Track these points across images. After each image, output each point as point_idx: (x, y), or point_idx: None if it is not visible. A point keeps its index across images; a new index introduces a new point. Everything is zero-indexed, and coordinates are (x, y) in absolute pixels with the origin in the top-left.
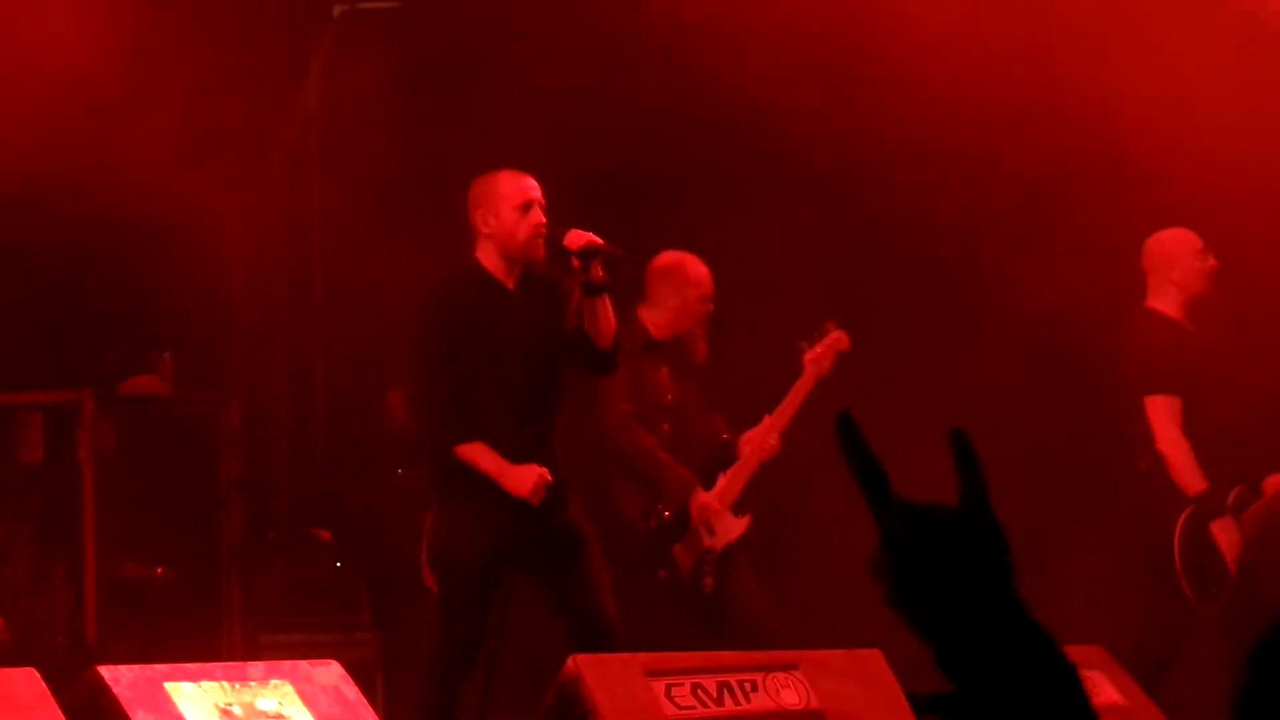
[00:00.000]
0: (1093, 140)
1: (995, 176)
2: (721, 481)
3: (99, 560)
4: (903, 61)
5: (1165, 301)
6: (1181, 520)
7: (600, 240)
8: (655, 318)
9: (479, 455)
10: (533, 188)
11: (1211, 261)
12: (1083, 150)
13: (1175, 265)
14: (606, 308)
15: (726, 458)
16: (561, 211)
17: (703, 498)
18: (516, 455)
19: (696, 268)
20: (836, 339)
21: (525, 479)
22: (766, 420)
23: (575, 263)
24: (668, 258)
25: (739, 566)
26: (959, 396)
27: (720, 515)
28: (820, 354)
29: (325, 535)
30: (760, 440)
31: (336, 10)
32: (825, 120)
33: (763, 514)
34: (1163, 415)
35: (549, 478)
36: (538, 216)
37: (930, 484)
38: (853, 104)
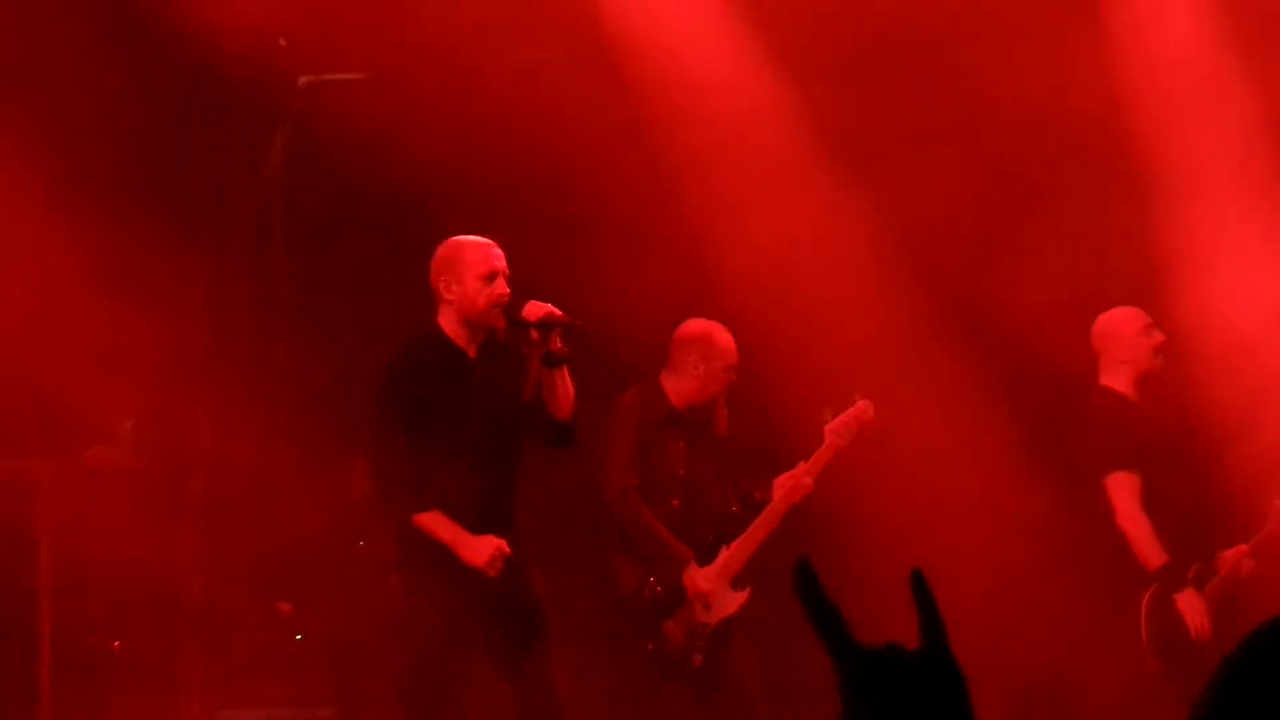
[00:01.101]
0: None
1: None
2: (723, 555)
3: (56, 632)
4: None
5: (1117, 379)
6: (1147, 597)
7: (559, 312)
8: (678, 386)
9: (436, 525)
10: (498, 257)
11: (1158, 337)
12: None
13: (1123, 343)
14: (565, 380)
15: (732, 531)
16: (521, 278)
17: (696, 574)
18: (476, 525)
19: (723, 336)
20: (862, 410)
21: (482, 550)
22: (801, 465)
23: (534, 334)
24: (695, 325)
25: (735, 643)
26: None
27: (716, 591)
28: (842, 425)
29: (286, 607)
30: (791, 485)
31: (302, 80)
32: None
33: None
34: (1122, 492)
35: (506, 549)
36: (501, 287)
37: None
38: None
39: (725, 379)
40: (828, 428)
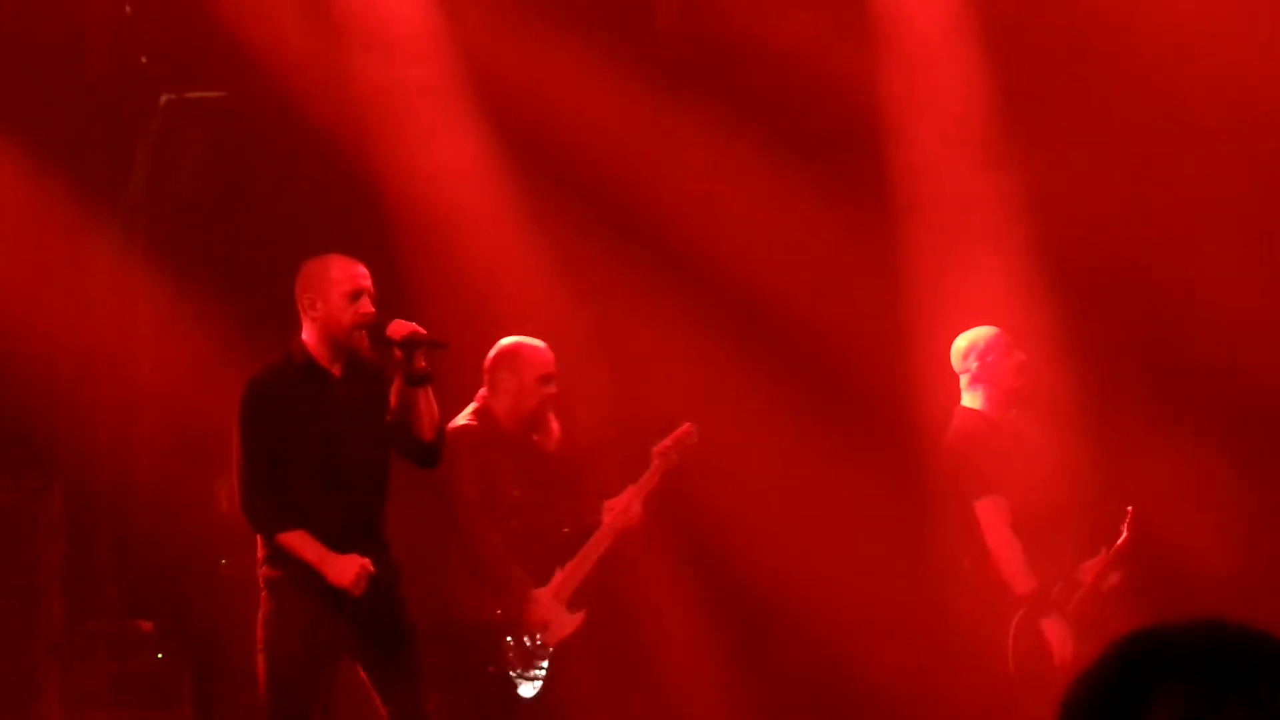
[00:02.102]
0: None
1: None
2: (559, 575)
3: None
4: None
5: (979, 399)
6: (1014, 625)
7: (423, 331)
8: (499, 406)
9: (300, 544)
10: (363, 275)
11: (1020, 355)
12: None
13: (984, 363)
14: (429, 399)
15: (566, 551)
16: (384, 297)
17: (536, 602)
18: (341, 544)
19: (531, 349)
20: (686, 432)
21: (347, 569)
22: (630, 489)
23: (398, 353)
24: (502, 344)
25: (572, 664)
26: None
27: (552, 611)
28: (667, 448)
29: (147, 626)
30: (622, 508)
31: (162, 99)
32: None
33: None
34: (992, 516)
35: (371, 568)
36: (366, 306)
37: None
38: None
39: (541, 391)
40: (655, 449)
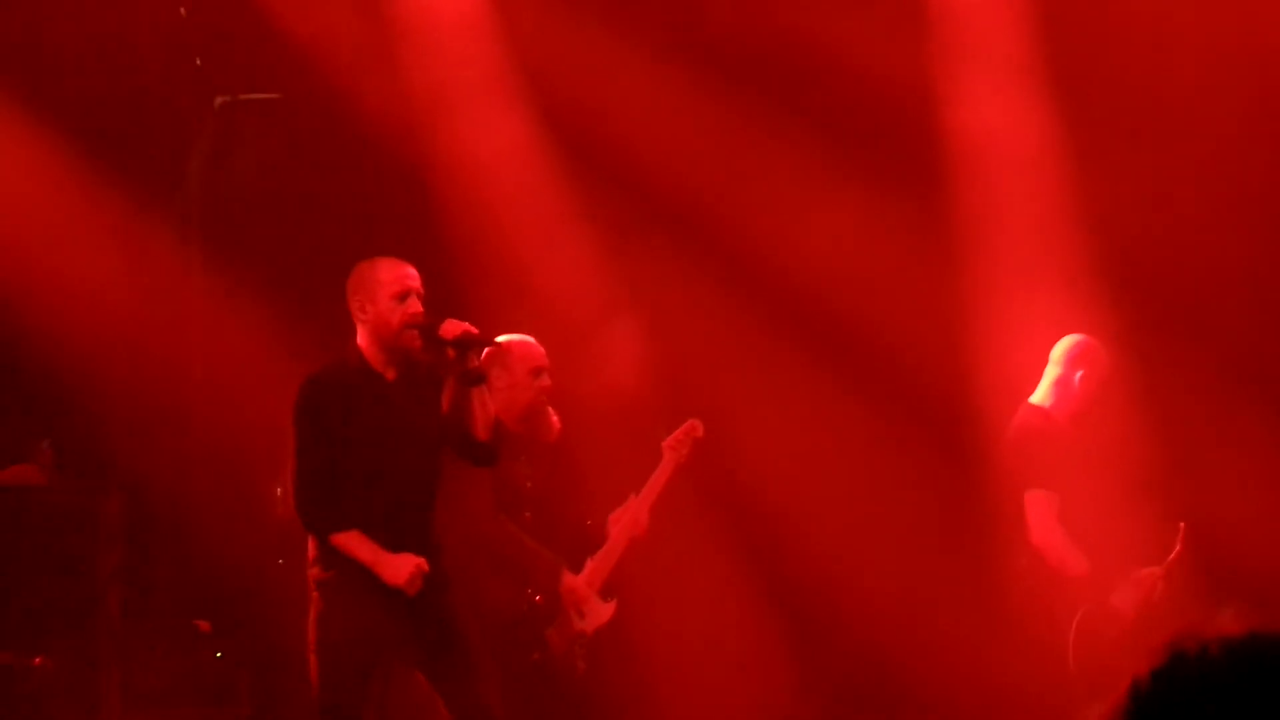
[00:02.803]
0: None
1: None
2: (589, 565)
3: None
4: None
5: (1050, 400)
6: (1075, 623)
7: (476, 330)
8: (498, 404)
9: (355, 544)
10: (411, 276)
11: (1106, 374)
12: None
13: (1070, 374)
14: (483, 398)
15: (593, 542)
16: (437, 295)
17: (571, 581)
18: (395, 545)
19: (520, 345)
20: (692, 427)
21: (401, 568)
22: (633, 499)
23: (451, 353)
24: (495, 344)
25: (607, 652)
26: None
27: (589, 599)
28: (678, 441)
29: (205, 626)
30: (628, 520)
31: (217, 101)
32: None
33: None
34: (1038, 508)
35: (426, 568)
36: (414, 306)
37: None
38: None
39: (535, 385)
40: (665, 443)
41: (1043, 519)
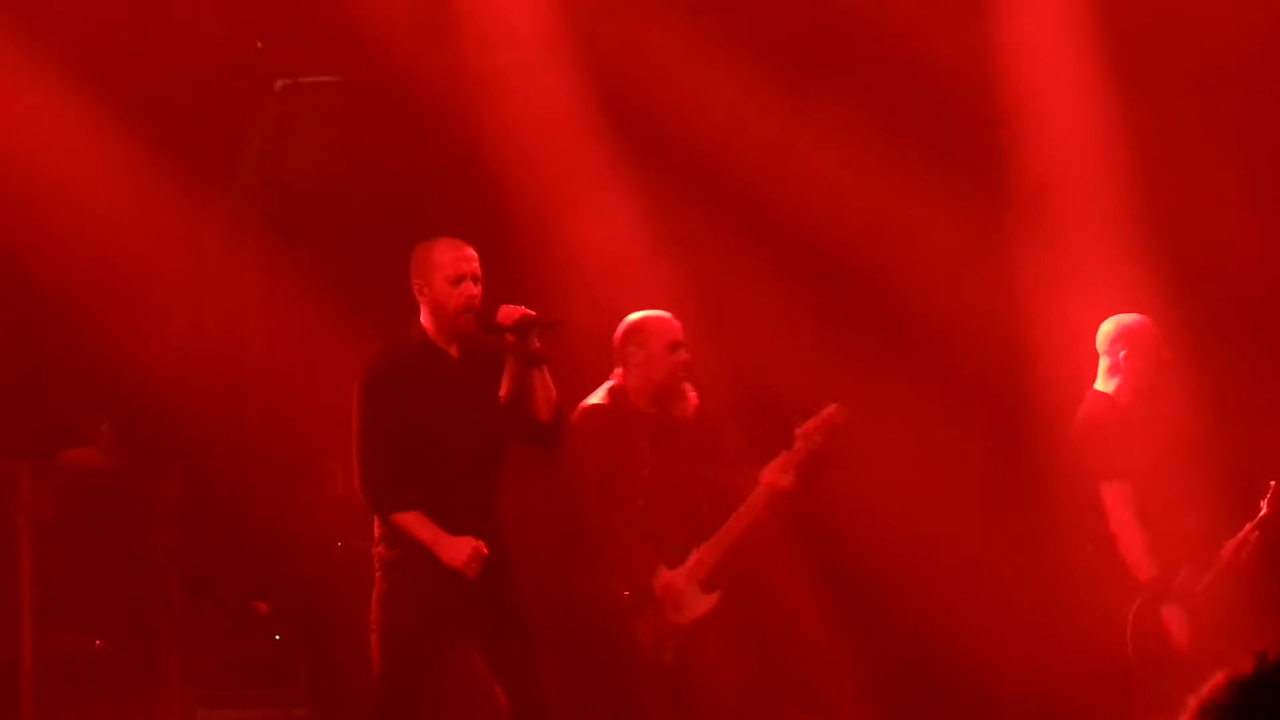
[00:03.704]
0: None
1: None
2: (694, 556)
3: (36, 631)
4: None
5: (1114, 385)
6: (1133, 611)
7: (533, 313)
8: (631, 383)
9: (415, 525)
10: (467, 259)
11: (1166, 353)
12: None
13: (1127, 355)
14: (545, 380)
15: (703, 531)
16: (496, 277)
17: (666, 577)
18: (455, 526)
19: (656, 320)
20: (833, 413)
21: (461, 550)
22: (784, 455)
23: (510, 338)
24: (627, 319)
25: (708, 645)
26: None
27: (686, 592)
28: (813, 429)
29: (264, 607)
30: (779, 472)
31: (278, 84)
32: None
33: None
34: (1117, 501)
35: (485, 550)
36: (470, 289)
37: None
38: None
39: (671, 360)
40: (798, 430)
41: (1121, 512)
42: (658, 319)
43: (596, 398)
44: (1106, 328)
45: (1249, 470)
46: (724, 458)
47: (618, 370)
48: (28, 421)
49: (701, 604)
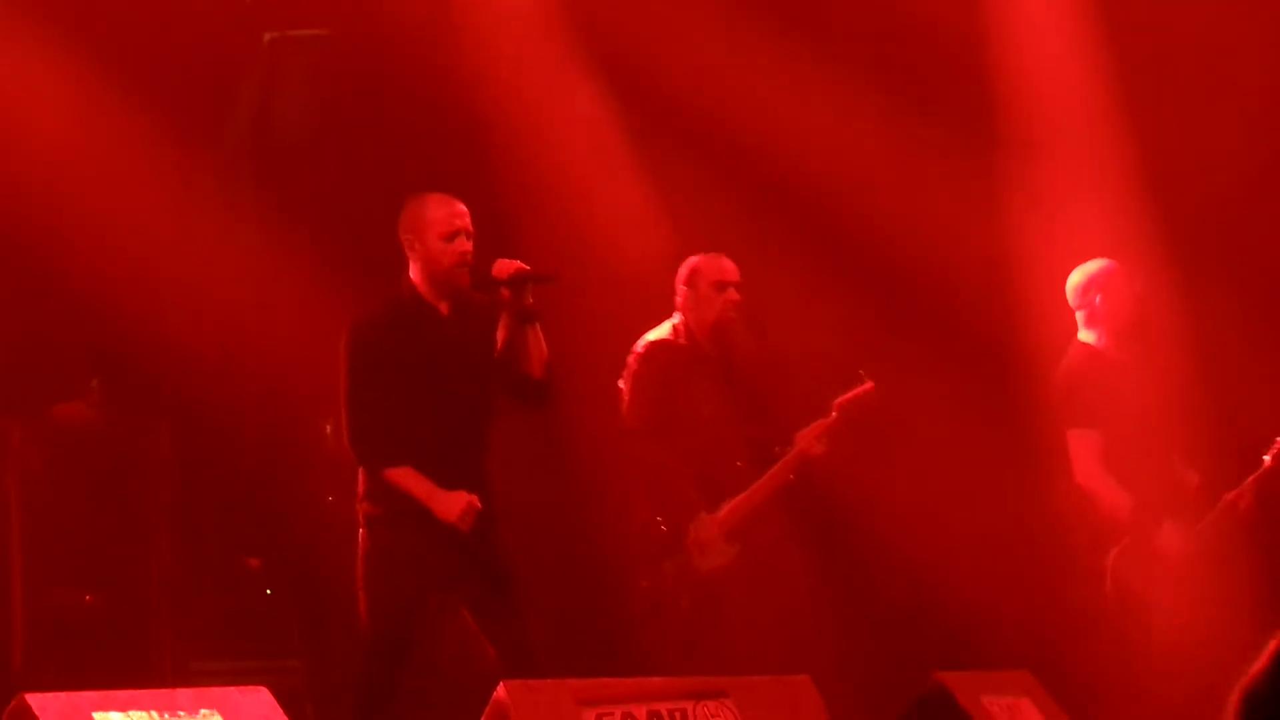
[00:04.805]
0: None
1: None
2: (726, 507)
3: (26, 587)
4: None
5: (1094, 335)
6: (1112, 556)
7: (528, 267)
8: (685, 322)
9: (408, 480)
10: (460, 215)
11: (1136, 289)
12: None
13: (1100, 299)
14: (538, 336)
15: (736, 485)
16: (487, 232)
17: (701, 520)
18: (446, 482)
19: (708, 260)
20: (867, 391)
21: (454, 504)
22: (819, 423)
23: (505, 292)
24: (685, 263)
25: (721, 600)
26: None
27: (713, 541)
28: (850, 402)
29: (255, 562)
30: (814, 438)
31: (266, 36)
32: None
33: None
34: (1080, 448)
35: (478, 504)
36: (463, 245)
37: None
38: None
39: (721, 299)
40: (836, 401)
41: (1085, 458)
42: (709, 258)
43: (661, 332)
44: (1075, 279)
45: (1240, 422)
46: (774, 410)
47: (677, 314)
48: (16, 377)
49: (723, 555)
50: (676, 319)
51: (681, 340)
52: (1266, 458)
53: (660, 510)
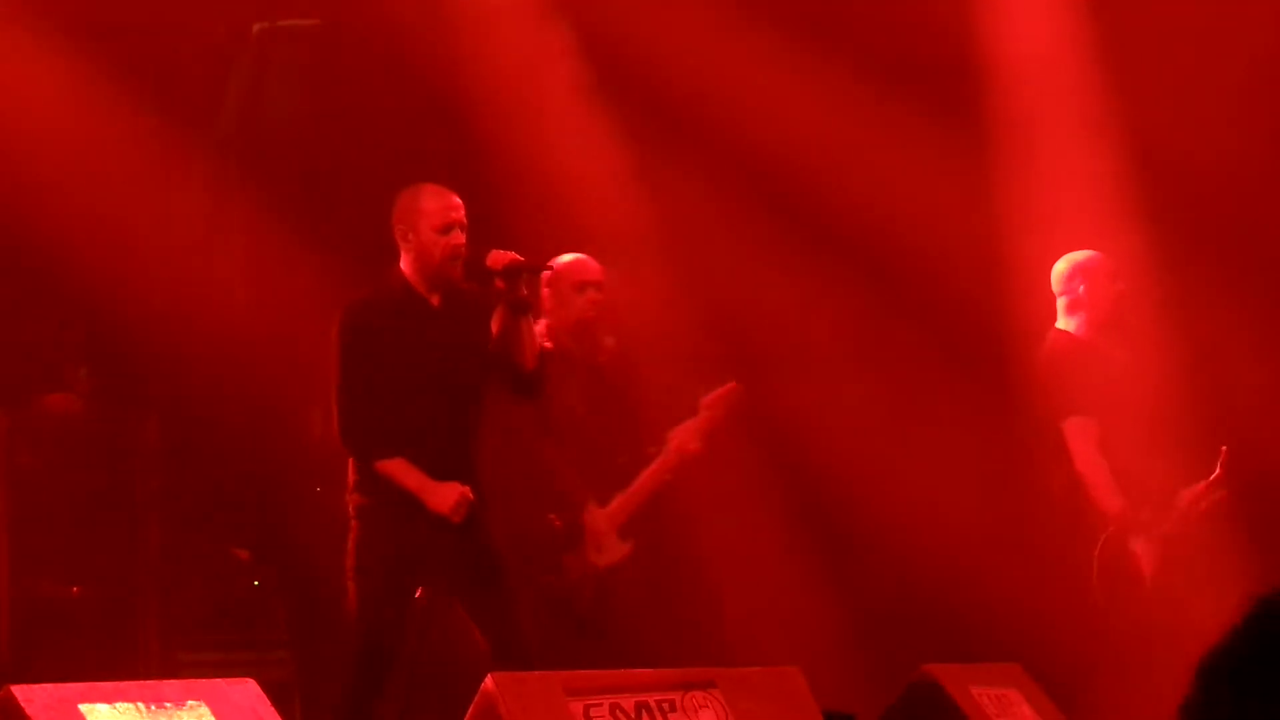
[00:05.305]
0: None
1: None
2: (615, 502)
3: (13, 578)
4: None
5: (1074, 323)
6: (1099, 546)
7: (522, 258)
8: (549, 324)
9: (400, 471)
10: (454, 208)
11: (1120, 284)
12: None
13: (1084, 289)
14: (531, 327)
15: (624, 478)
16: (479, 223)
17: (593, 514)
18: (437, 473)
19: (571, 262)
20: (731, 391)
21: (448, 496)
22: (691, 422)
23: (499, 283)
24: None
25: (621, 592)
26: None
27: (608, 535)
28: (714, 400)
29: (243, 553)
30: (688, 436)
31: (255, 27)
32: None
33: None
34: (1079, 436)
35: (470, 495)
36: (457, 238)
37: None
38: None
39: (581, 300)
40: (703, 401)
41: (1085, 447)
42: (571, 261)
43: None
44: (1060, 267)
45: (1223, 413)
46: (645, 412)
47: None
48: (3, 367)
49: (617, 551)
50: (542, 322)
51: (547, 343)
52: (1218, 467)
53: (553, 507)
